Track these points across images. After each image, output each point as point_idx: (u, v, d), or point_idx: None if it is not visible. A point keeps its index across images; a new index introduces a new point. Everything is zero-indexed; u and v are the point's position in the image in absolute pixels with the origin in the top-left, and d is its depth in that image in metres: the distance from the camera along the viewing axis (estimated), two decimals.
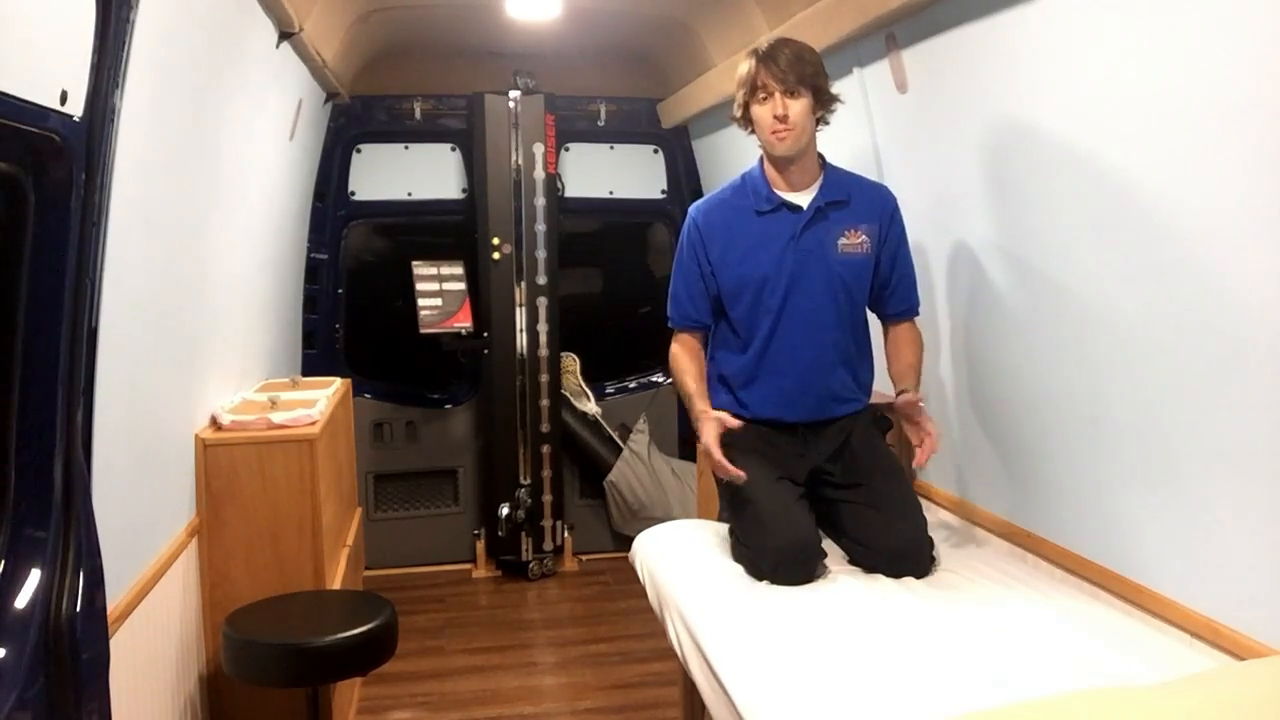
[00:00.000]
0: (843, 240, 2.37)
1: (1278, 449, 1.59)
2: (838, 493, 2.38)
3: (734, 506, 2.38)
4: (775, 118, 2.29)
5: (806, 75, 2.28)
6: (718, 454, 2.26)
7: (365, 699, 3.42)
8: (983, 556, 2.38)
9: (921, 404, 2.30)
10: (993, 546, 2.48)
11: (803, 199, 2.38)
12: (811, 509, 2.36)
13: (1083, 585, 2.13)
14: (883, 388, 2.55)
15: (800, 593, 2.16)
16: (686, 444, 5.01)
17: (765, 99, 2.30)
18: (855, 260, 2.38)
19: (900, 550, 2.25)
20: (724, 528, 2.48)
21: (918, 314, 2.51)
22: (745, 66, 2.33)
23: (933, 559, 2.28)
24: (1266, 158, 1.53)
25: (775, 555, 2.21)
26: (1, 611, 1.54)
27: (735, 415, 2.36)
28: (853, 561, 2.33)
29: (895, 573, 2.22)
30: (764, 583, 2.21)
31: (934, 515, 2.77)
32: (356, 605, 2.65)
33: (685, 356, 2.49)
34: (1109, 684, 1.60)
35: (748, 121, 2.37)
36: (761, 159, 2.44)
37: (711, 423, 2.31)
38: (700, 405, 2.40)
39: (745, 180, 2.45)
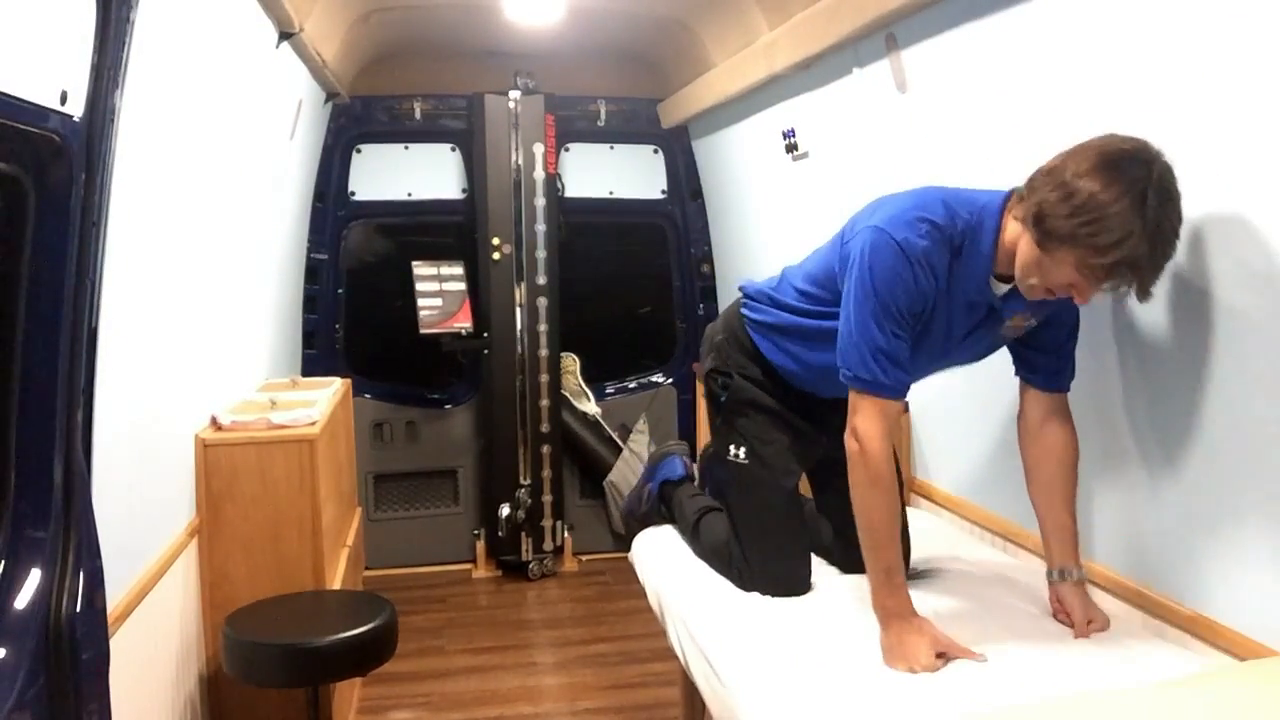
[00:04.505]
0: (1010, 323, 1.93)
1: None
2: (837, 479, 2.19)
3: (740, 521, 2.24)
4: (1070, 295, 1.70)
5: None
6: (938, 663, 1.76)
7: (365, 699, 3.42)
8: (975, 554, 2.38)
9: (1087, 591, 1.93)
10: (985, 544, 2.48)
11: (1002, 287, 1.89)
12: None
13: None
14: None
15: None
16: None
17: (1086, 276, 1.63)
18: (1012, 337, 2.01)
19: None
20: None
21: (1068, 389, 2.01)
22: (1119, 225, 1.55)
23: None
24: (1270, 156, 1.53)
25: (768, 588, 2.17)
26: (1, 611, 1.53)
27: (783, 375, 2.18)
28: (831, 559, 2.30)
29: None
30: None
31: (928, 510, 2.77)
32: (356, 605, 2.65)
33: (895, 487, 1.89)
34: (1108, 685, 1.60)
35: (1048, 244, 1.64)
36: (999, 228, 1.81)
37: (927, 641, 1.77)
38: (905, 596, 1.83)
39: (967, 244, 1.83)
